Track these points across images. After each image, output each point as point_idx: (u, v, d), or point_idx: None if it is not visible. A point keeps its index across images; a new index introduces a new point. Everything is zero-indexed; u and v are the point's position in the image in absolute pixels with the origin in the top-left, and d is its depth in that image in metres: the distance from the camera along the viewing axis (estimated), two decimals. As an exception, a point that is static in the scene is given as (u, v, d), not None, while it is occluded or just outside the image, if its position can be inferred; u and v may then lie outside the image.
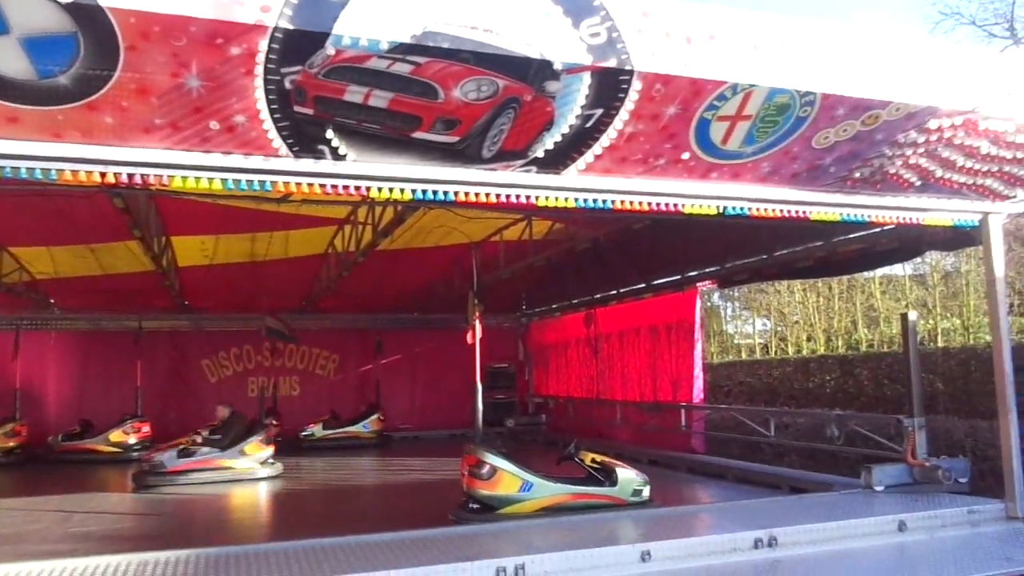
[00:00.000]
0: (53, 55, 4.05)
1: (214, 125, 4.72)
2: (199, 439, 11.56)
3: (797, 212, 6.55)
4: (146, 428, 14.43)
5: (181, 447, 11.28)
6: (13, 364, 14.76)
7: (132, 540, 7.01)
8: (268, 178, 5.10)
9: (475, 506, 7.29)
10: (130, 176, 4.83)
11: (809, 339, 23.87)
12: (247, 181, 5.05)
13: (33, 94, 4.26)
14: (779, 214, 6.52)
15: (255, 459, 11.51)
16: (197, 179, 4.94)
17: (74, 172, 4.70)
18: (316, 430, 15.50)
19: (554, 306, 16.93)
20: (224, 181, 5.00)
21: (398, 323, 17.94)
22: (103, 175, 4.78)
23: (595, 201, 5.94)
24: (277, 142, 4.91)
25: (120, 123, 4.58)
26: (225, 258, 12.05)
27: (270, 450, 11.85)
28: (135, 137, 4.68)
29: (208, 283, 13.62)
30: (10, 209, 8.89)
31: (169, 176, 4.88)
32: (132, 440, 14.06)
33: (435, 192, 5.51)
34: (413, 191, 5.43)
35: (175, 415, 15.86)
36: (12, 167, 4.58)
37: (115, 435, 13.96)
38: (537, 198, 5.79)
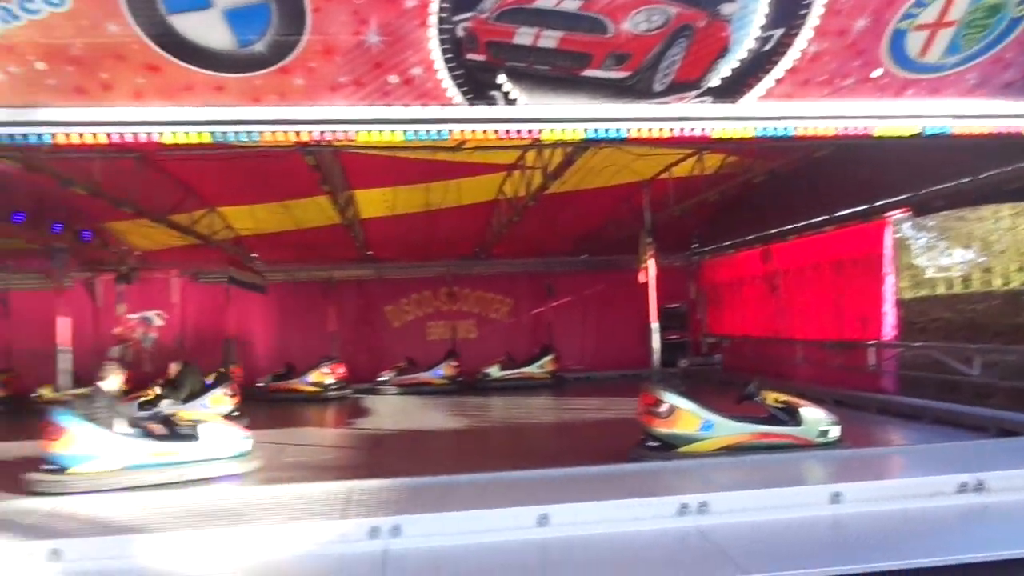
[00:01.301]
0: (250, 24, 4.38)
1: (393, 79, 4.92)
2: (158, 392, 11.08)
3: (1009, 128, 5.88)
4: (341, 369, 15.62)
5: (141, 399, 10.46)
6: (227, 313, 16.46)
7: (341, 469, 7.68)
8: (445, 127, 5.26)
9: (653, 444, 7.32)
10: (321, 133, 5.16)
11: (1021, 269, 21.55)
12: (425, 131, 5.25)
13: (235, 63, 4.63)
14: (988, 131, 5.88)
15: (218, 412, 10.36)
16: (380, 132, 5.20)
17: (273, 133, 5.10)
18: (493, 371, 16.10)
19: (727, 243, 16.37)
20: (405, 132, 5.22)
21: (568, 266, 18.10)
22: (298, 134, 5.15)
23: (775, 129, 5.65)
24: (452, 91, 5.05)
25: (309, 84, 4.89)
26: (403, 208, 12.63)
27: (231, 403, 11.13)
28: (323, 96, 4.98)
29: (388, 233, 14.36)
30: (217, 172, 9.79)
31: (355, 131, 5.17)
32: (330, 380, 15.27)
33: (606, 130, 5.46)
34: (584, 130, 5.41)
35: (365, 357, 17.04)
36: (221, 132, 5.04)
37: (315, 376, 15.22)
38: (712, 130, 5.59)
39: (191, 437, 7.48)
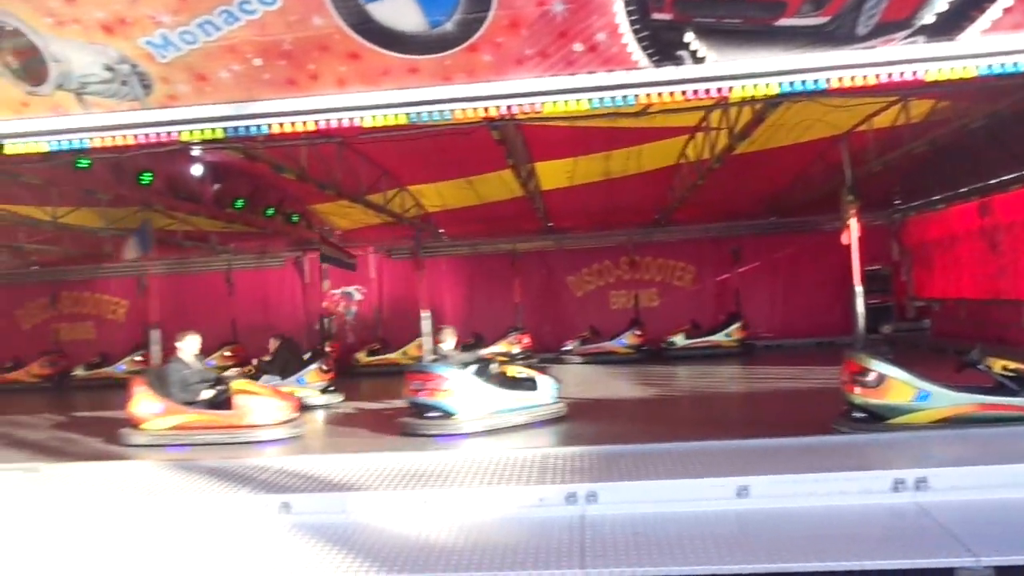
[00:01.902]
0: (440, 4, 4.52)
1: (577, 47, 4.90)
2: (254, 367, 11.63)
3: None
4: (527, 339, 16.03)
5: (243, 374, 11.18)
6: (418, 287, 17.39)
7: (534, 436, 7.91)
8: (630, 92, 5.17)
9: (860, 415, 6.87)
10: (508, 107, 5.25)
11: None
12: (611, 97, 5.18)
13: (426, 44, 4.80)
14: None
15: (314, 386, 11.14)
16: (565, 102, 5.20)
17: (463, 110, 5.26)
18: (678, 339, 15.81)
19: (936, 197, 14.90)
20: (590, 100, 5.19)
21: (755, 229, 17.32)
22: (486, 110, 5.27)
23: (1003, 66, 5.03)
24: (637, 54, 4.94)
25: (497, 59, 4.97)
26: (583, 178, 12.62)
27: (327, 379, 11.42)
28: (510, 70, 5.05)
29: (568, 204, 14.44)
30: (407, 152, 10.28)
31: (541, 102, 5.20)
32: (516, 350, 15.71)
33: (803, 82, 5.12)
34: (779, 84, 5.11)
35: (549, 328, 17.34)
36: (416, 112, 5.26)
37: (502, 346, 15.72)
38: (927, 72, 5.07)
39: (533, 385, 8.59)
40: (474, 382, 8.28)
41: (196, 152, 9.61)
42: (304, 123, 5.40)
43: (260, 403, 8.30)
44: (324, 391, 11.24)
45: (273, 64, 4.97)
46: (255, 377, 10.80)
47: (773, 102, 7.44)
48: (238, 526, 5.26)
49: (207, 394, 8.32)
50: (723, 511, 5.04)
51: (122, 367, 17.19)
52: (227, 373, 8.62)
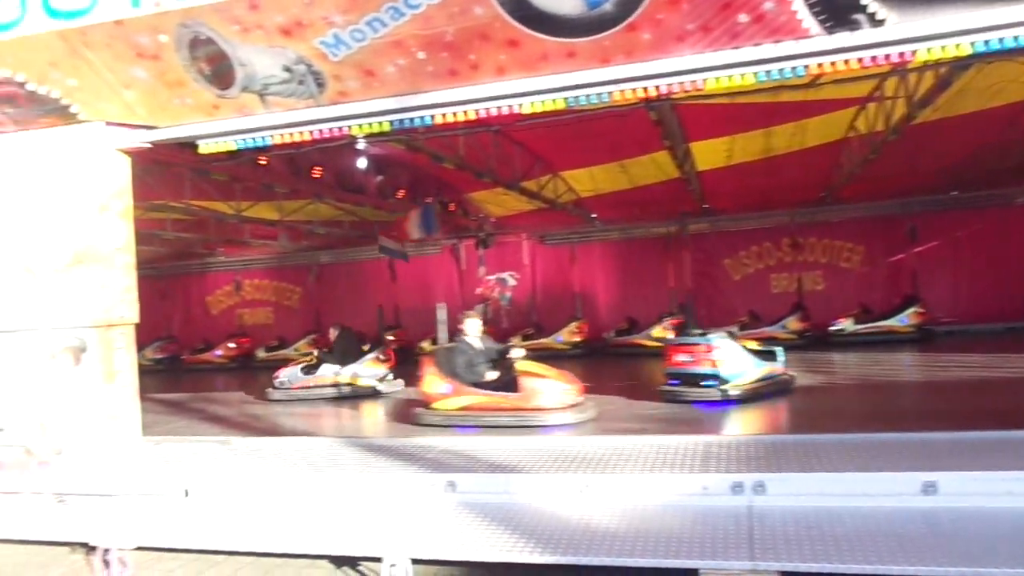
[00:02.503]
0: (599, -16, 4.45)
1: (743, 18, 4.68)
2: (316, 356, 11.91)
3: None
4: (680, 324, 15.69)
5: (303, 365, 11.77)
6: (572, 271, 17.46)
7: (692, 423, 7.72)
8: (800, 62, 4.88)
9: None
10: (668, 86, 5.11)
11: None
12: (778, 69, 4.92)
13: (585, 26, 4.76)
14: None
15: (373, 374, 11.39)
16: (730, 77, 4.99)
17: (622, 92, 5.17)
18: (847, 325, 14.91)
19: None
20: (756, 74, 4.95)
21: (934, 205, 15.95)
22: (645, 90, 5.16)
23: None
24: (808, 21, 4.66)
25: (656, 37, 4.85)
26: (741, 157, 12.14)
27: (385, 367, 11.66)
28: (670, 47, 4.91)
29: (725, 184, 13.93)
30: (561, 138, 10.29)
31: (703, 79, 5.03)
32: (671, 336, 15.39)
33: (1001, 40, 4.62)
34: (972, 43, 4.64)
35: (705, 312, 16.86)
36: (573, 96, 5.23)
37: (656, 331, 15.46)
38: None
39: (773, 357, 9.15)
40: (740, 351, 8.79)
41: (361, 145, 10.10)
42: (465, 112, 5.52)
43: (546, 385, 8.04)
44: (382, 379, 11.53)
45: (436, 56, 5.10)
46: (315, 366, 11.59)
47: (961, 64, 6.79)
48: (408, 502, 5.51)
49: (491, 375, 8.23)
50: (907, 508, 4.70)
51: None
52: (512, 353, 8.42)
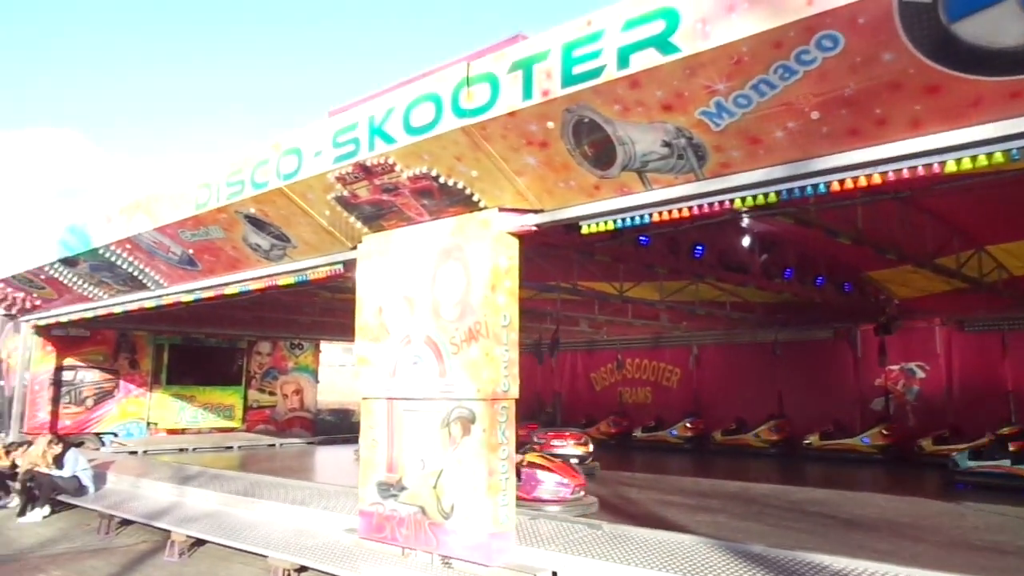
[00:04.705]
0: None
1: None
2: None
3: None
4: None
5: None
6: (1002, 364, 14.48)
7: None
8: None
9: None
10: None
11: None
12: None
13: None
14: None
15: (569, 455, 11.42)
16: None
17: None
18: None
19: None
20: None
21: None
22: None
23: None
24: None
25: None
26: None
27: (582, 450, 12.20)
28: None
29: None
30: (987, 202, 8.61)
31: None
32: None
33: None
34: None
35: None
36: (1017, 147, 4.16)
37: None
38: None
39: None
40: None
41: (745, 222, 9.58)
42: (868, 177, 4.74)
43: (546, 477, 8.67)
44: (581, 461, 11.97)
45: (833, 115, 4.46)
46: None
47: None
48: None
49: None
50: None
51: (674, 432, 18.16)
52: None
